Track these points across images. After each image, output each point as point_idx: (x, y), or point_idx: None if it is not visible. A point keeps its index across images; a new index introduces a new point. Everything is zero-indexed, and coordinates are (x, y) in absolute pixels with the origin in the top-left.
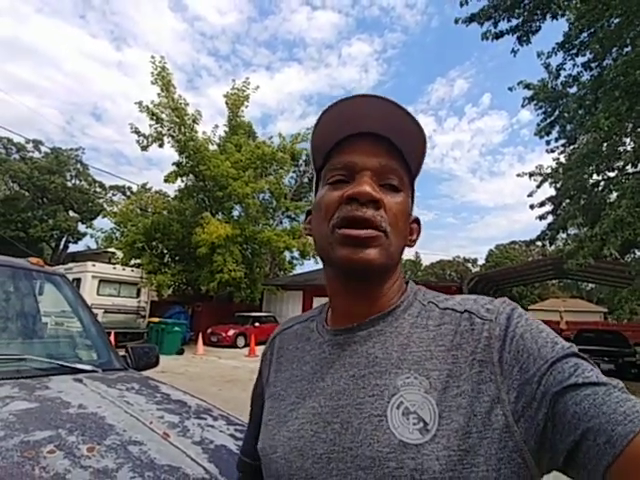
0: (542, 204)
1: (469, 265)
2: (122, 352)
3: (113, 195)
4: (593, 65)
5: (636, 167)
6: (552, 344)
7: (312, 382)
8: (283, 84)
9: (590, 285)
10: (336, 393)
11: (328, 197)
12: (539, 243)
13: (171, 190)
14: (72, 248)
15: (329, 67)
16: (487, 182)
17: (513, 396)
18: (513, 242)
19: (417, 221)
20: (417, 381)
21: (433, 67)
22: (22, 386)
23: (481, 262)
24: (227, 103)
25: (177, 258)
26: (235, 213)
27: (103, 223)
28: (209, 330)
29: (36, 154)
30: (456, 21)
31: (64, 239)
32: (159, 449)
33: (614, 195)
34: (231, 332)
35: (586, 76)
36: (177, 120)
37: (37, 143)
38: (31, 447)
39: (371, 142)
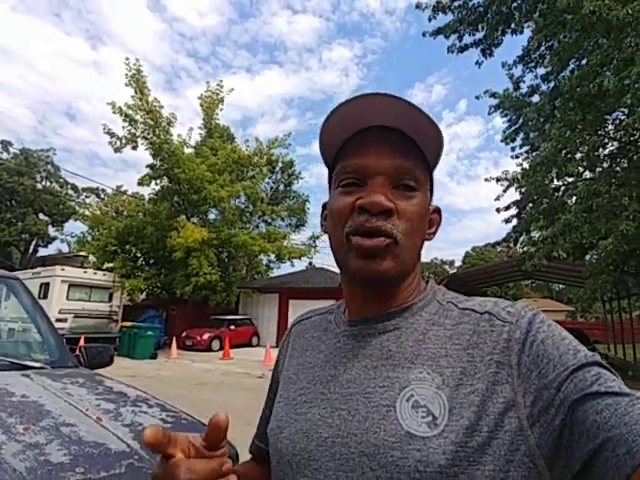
0: (507, 208)
1: (446, 267)
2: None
3: (86, 197)
4: (551, 77)
5: (593, 173)
6: (574, 352)
7: (324, 369)
8: (264, 87)
9: (560, 285)
10: (347, 381)
11: (341, 203)
12: (505, 244)
13: (146, 192)
14: (42, 252)
15: (310, 71)
16: (464, 186)
17: (529, 400)
18: (488, 244)
19: (438, 211)
20: (430, 377)
21: (412, 73)
22: None
23: (458, 264)
24: (202, 105)
25: (151, 262)
26: (211, 216)
27: (75, 226)
28: (184, 334)
29: (4, 155)
30: (424, 34)
31: (34, 243)
32: (89, 430)
33: (573, 199)
34: (206, 336)
35: (544, 87)
36: (151, 123)
37: (6, 144)
38: None
39: (383, 139)
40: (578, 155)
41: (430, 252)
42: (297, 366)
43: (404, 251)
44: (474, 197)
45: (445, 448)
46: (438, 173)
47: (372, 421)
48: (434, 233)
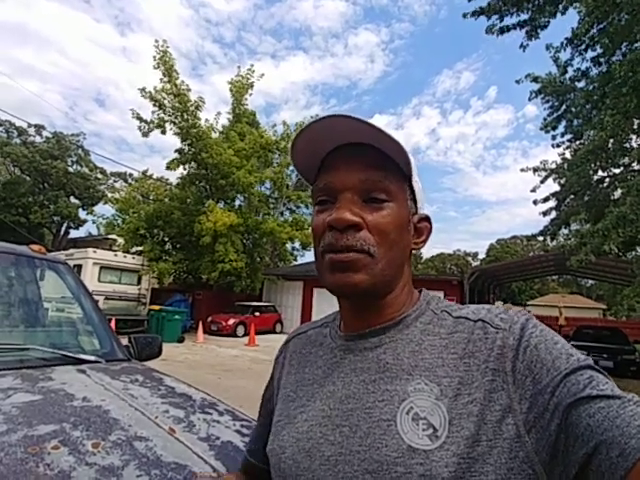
0: (546, 199)
1: (469, 259)
2: (125, 341)
3: (114, 182)
4: (602, 60)
5: None
6: (567, 356)
7: (323, 385)
8: (288, 73)
9: (590, 281)
10: (346, 397)
11: (316, 221)
12: (540, 238)
13: (173, 177)
14: (73, 234)
15: (335, 57)
16: (490, 176)
17: (525, 406)
18: (514, 237)
19: (427, 219)
20: (428, 387)
21: (440, 59)
22: (25, 377)
23: (482, 256)
24: (231, 90)
25: (178, 246)
26: (236, 202)
27: (104, 210)
28: (209, 319)
29: (37, 139)
30: (464, 15)
31: (65, 225)
32: (165, 445)
33: (619, 192)
34: (231, 321)
35: (595, 71)
36: (179, 106)
37: (39, 128)
38: (35, 442)
39: (350, 154)
40: (628, 145)
41: (453, 244)
42: (295, 383)
43: (380, 264)
44: (500, 188)
45: (447, 460)
46: (463, 162)
47: (374, 437)
48: (424, 242)
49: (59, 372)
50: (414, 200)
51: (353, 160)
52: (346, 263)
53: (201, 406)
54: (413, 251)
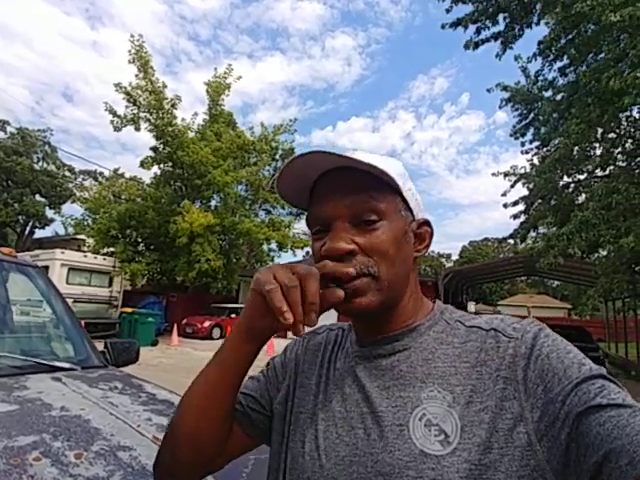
0: (515, 203)
1: (443, 260)
2: (101, 346)
3: (83, 180)
4: (569, 71)
5: (605, 171)
6: (579, 365)
7: (339, 387)
8: (265, 73)
9: (556, 282)
10: (361, 400)
11: (314, 249)
12: (511, 241)
13: (146, 176)
14: (38, 234)
15: (312, 59)
16: (463, 180)
17: (537, 415)
18: (486, 239)
19: (427, 223)
20: (441, 395)
21: (415, 64)
22: None
23: (455, 257)
24: (208, 91)
25: (152, 247)
26: (212, 203)
27: (72, 209)
28: (184, 321)
29: (1, 134)
30: (443, 26)
31: (30, 224)
32: (150, 454)
33: (583, 197)
34: (207, 323)
35: (561, 81)
36: (155, 104)
37: (3, 123)
38: (16, 454)
39: (334, 181)
40: (595, 152)
41: None
42: (317, 378)
43: (386, 281)
44: (472, 191)
45: (459, 466)
46: (437, 166)
47: (387, 440)
48: (427, 247)
49: (33, 380)
50: (409, 209)
51: (337, 187)
52: (352, 290)
53: None
54: (417, 258)
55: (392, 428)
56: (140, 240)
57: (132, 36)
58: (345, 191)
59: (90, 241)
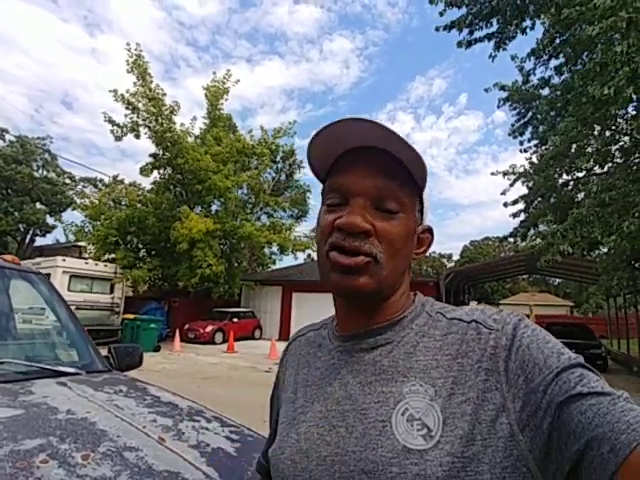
0: (515, 202)
1: (444, 260)
2: (104, 352)
3: (84, 187)
4: (564, 69)
5: (603, 168)
6: (558, 354)
7: (320, 387)
8: (264, 77)
9: (557, 280)
10: (343, 398)
11: (324, 220)
12: (511, 239)
13: (145, 182)
14: (39, 242)
15: (310, 62)
16: (462, 180)
17: (518, 405)
18: (486, 238)
19: (429, 230)
20: (423, 389)
21: (413, 66)
22: (4, 392)
23: (456, 257)
24: (207, 95)
25: (153, 253)
26: (213, 207)
27: (73, 216)
28: (186, 326)
29: (0, 143)
30: (437, 29)
31: (31, 232)
32: (156, 454)
33: (582, 194)
34: (209, 328)
35: (557, 80)
36: (154, 110)
37: (2, 131)
38: (23, 457)
39: (368, 159)
40: (589, 150)
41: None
42: (295, 384)
43: (384, 270)
44: (472, 191)
45: (442, 460)
46: (437, 167)
47: (369, 437)
48: (424, 252)
49: (39, 385)
50: (421, 212)
51: (369, 165)
52: (353, 266)
53: (188, 414)
54: (413, 260)
55: (375, 424)
56: (141, 246)
57: (128, 45)
58: (377, 172)
59: (91, 248)
